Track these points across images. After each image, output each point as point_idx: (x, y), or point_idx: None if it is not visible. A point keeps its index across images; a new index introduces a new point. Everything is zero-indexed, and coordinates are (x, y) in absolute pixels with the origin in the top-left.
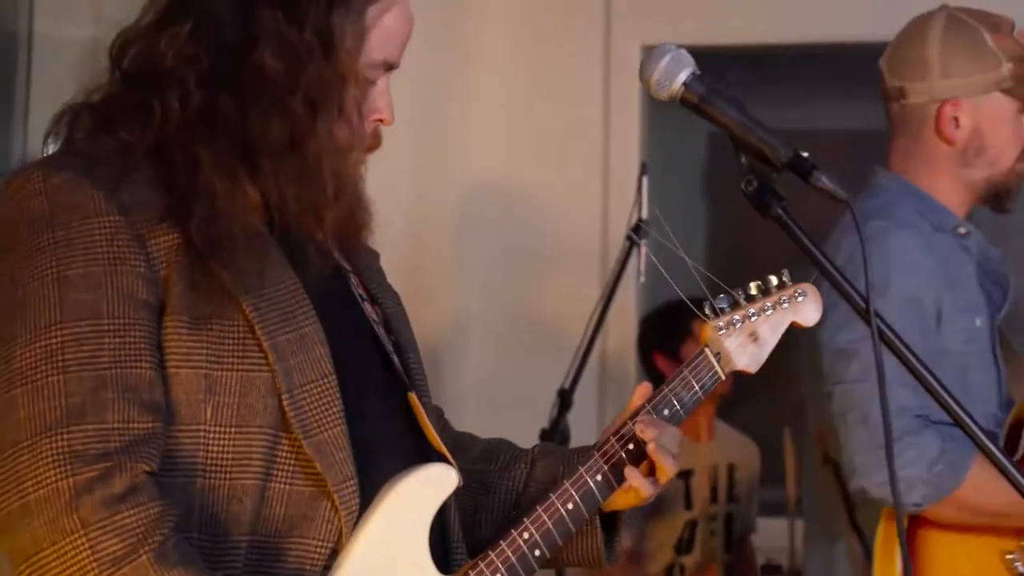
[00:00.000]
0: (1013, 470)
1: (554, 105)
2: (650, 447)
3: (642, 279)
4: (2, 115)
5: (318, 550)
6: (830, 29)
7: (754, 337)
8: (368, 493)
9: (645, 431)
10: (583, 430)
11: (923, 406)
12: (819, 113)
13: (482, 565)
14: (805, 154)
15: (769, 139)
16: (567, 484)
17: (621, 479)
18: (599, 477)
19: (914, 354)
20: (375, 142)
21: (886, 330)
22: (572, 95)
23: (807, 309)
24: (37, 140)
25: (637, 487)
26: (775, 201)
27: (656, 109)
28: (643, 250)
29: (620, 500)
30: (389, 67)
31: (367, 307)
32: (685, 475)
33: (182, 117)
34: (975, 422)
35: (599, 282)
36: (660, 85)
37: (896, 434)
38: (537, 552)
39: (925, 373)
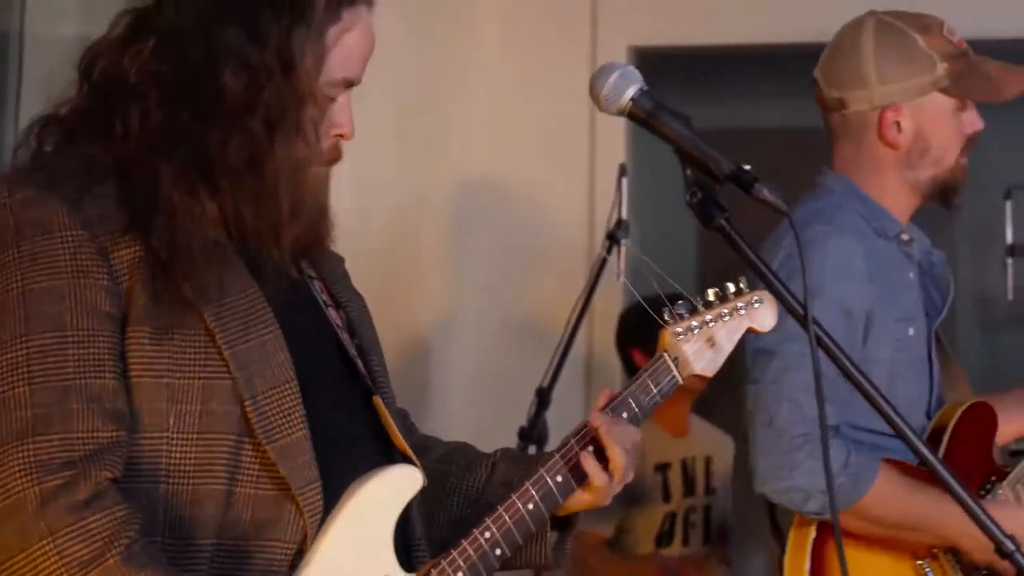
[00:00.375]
0: (949, 476)
1: (541, 106)
2: (601, 431)
3: (621, 278)
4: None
5: (284, 552)
6: (814, 28)
7: (711, 342)
8: (333, 495)
9: (595, 419)
10: (571, 420)
11: (831, 415)
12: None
13: (444, 563)
14: (747, 167)
15: (712, 153)
16: (527, 484)
17: (580, 479)
18: (559, 478)
19: (849, 360)
20: (335, 155)
21: (824, 337)
22: (559, 96)
23: (763, 315)
24: None
25: (592, 475)
26: (718, 212)
27: None
28: (622, 250)
29: (577, 502)
30: (349, 84)
31: (330, 312)
32: (662, 468)
33: (143, 133)
34: (911, 427)
35: (586, 280)
36: (608, 100)
37: (801, 442)
38: (498, 551)
39: (861, 378)
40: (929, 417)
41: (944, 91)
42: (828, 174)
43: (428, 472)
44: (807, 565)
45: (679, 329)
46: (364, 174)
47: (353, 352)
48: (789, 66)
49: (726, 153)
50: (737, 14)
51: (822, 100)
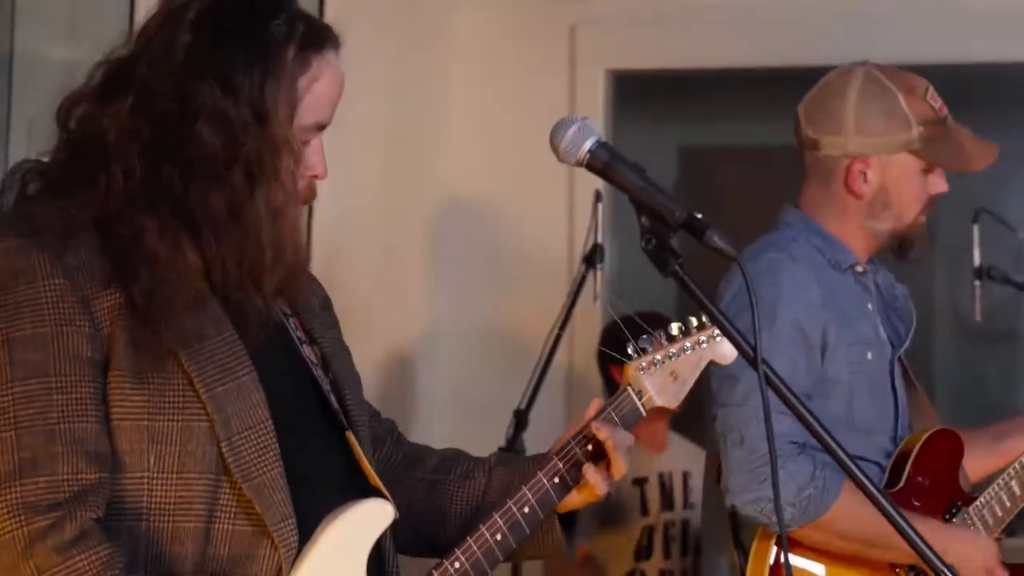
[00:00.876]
0: (882, 498)
1: (522, 126)
2: (608, 444)
3: (598, 301)
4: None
5: None
6: (784, 53)
7: (674, 376)
8: (307, 529)
9: (601, 429)
10: (551, 438)
11: (797, 433)
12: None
13: (436, 574)
14: (699, 215)
15: (666, 202)
16: (525, 488)
17: (576, 479)
18: (556, 479)
19: (792, 392)
20: (310, 195)
21: (772, 375)
22: (539, 116)
23: (724, 348)
24: (18, 156)
25: (593, 483)
26: (672, 258)
27: (623, 127)
28: (599, 274)
29: (574, 500)
30: (321, 127)
31: (305, 349)
32: (640, 483)
33: (126, 189)
34: (845, 451)
35: (565, 299)
36: (567, 152)
37: (767, 459)
38: (488, 560)
39: (802, 409)
40: (895, 443)
41: (914, 153)
42: (789, 210)
43: (425, 482)
44: (766, 572)
45: (643, 363)
46: (347, 196)
47: (327, 388)
48: (762, 88)
49: (679, 202)
50: (711, 39)
51: (799, 137)
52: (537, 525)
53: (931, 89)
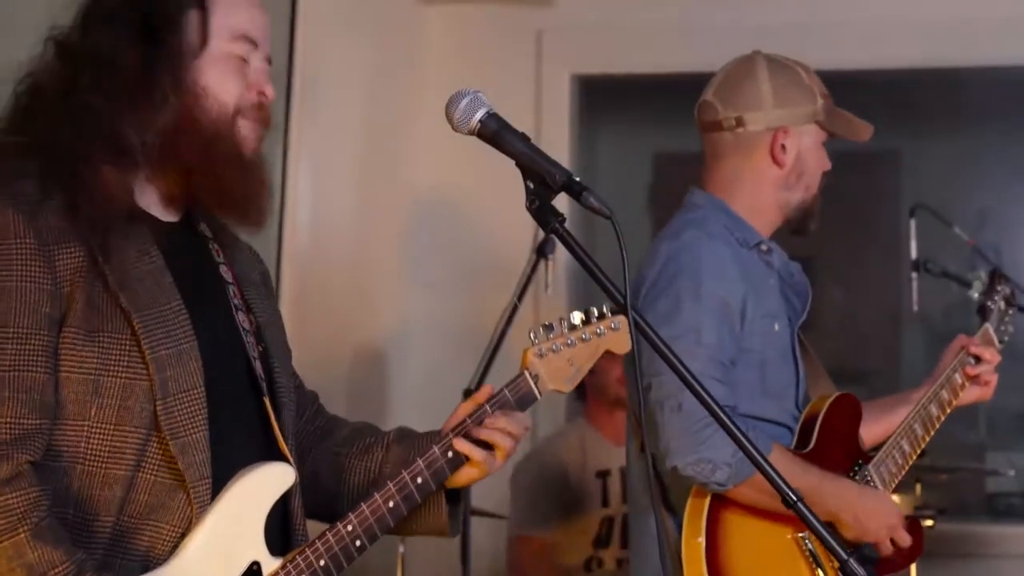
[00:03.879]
0: (754, 451)
1: None
2: (493, 430)
3: (548, 291)
4: None
5: (169, 534)
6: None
7: (571, 363)
8: (221, 486)
9: (495, 417)
10: None
11: (727, 396)
12: None
13: (308, 551)
14: (577, 178)
15: (547, 166)
16: (419, 460)
17: (459, 462)
18: (449, 454)
19: (667, 346)
20: (263, 116)
21: (642, 323)
22: (507, 117)
23: (621, 339)
24: None
25: (480, 461)
26: (553, 218)
27: (597, 134)
28: (550, 264)
29: (465, 475)
30: (252, 43)
31: (240, 316)
32: (603, 475)
33: (64, 131)
34: (730, 417)
35: (532, 290)
36: (460, 122)
37: (705, 422)
38: (358, 542)
39: (676, 362)
40: (799, 408)
41: (819, 123)
42: (696, 192)
43: (329, 454)
44: (703, 527)
45: (541, 349)
46: (321, 197)
47: (255, 355)
48: None
49: (559, 167)
50: (671, 44)
51: (713, 121)
52: (427, 497)
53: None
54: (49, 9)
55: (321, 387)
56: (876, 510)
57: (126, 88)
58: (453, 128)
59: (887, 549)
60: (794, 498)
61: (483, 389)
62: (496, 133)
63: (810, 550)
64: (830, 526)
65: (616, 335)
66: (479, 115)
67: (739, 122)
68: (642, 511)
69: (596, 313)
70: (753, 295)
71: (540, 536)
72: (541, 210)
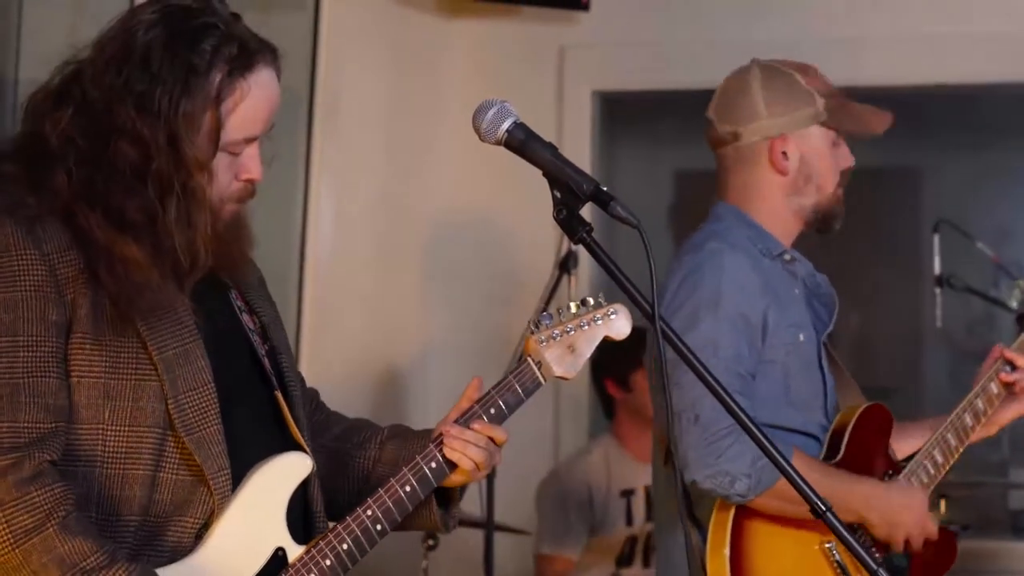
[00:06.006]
0: (780, 458)
1: None
2: (446, 443)
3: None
4: None
5: (193, 525)
6: None
7: (572, 349)
8: (239, 479)
9: (445, 430)
10: (540, 446)
11: (748, 409)
12: None
13: (330, 535)
14: (604, 188)
15: (575, 176)
16: (406, 470)
17: (453, 465)
18: (433, 464)
19: (692, 353)
20: (246, 195)
21: (669, 332)
22: None
23: (619, 325)
24: None
25: (467, 470)
26: (581, 227)
27: (618, 151)
28: (573, 279)
29: (455, 479)
30: (253, 140)
31: (245, 317)
32: (627, 494)
33: (71, 190)
34: (756, 424)
35: (554, 306)
36: (487, 132)
37: (725, 432)
38: (379, 526)
39: (704, 372)
40: (828, 418)
41: (823, 124)
42: (720, 204)
43: (326, 449)
44: (728, 540)
45: (542, 337)
46: (342, 212)
47: (262, 353)
48: None
49: (587, 176)
50: (692, 61)
51: (716, 136)
52: (419, 502)
53: (819, 68)
54: (72, 33)
55: (343, 405)
56: (905, 504)
57: (124, 164)
58: (480, 138)
59: (918, 544)
60: (823, 508)
61: (471, 385)
62: (523, 143)
63: (837, 561)
64: (857, 529)
65: (614, 322)
66: (506, 125)
67: (736, 136)
68: (668, 524)
69: (592, 302)
70: (775, 306)
71: (564, 555)
72: (569, 220)
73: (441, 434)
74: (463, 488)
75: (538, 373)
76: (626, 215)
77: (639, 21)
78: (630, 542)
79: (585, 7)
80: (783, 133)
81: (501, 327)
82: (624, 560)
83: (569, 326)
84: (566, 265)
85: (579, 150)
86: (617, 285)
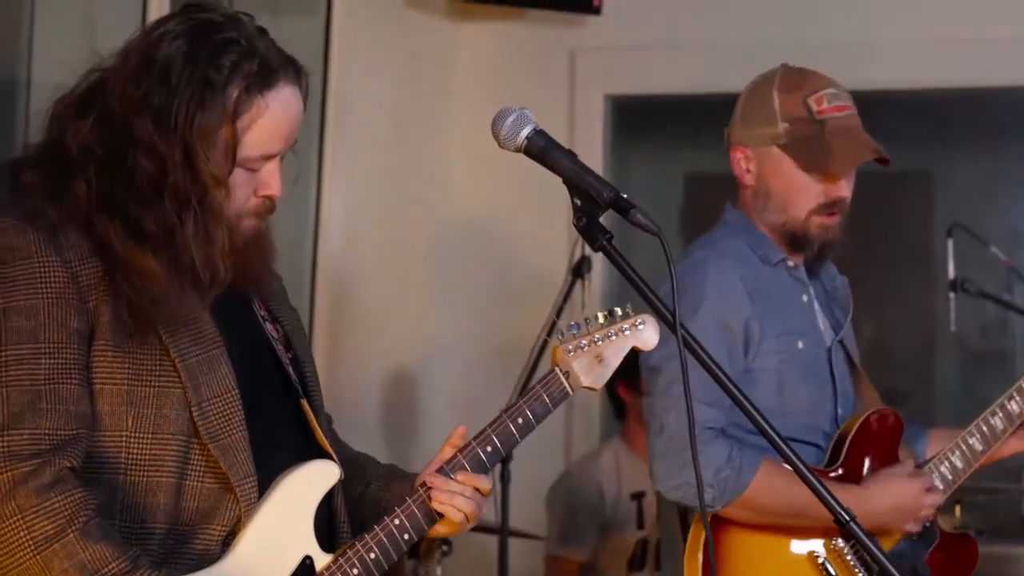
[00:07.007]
0: (806, 470)
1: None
2: (433, 496)
3: (585, 310)
4: (3, 160)
5: (219, 533)
6: None
7: (599, 359)
8: (265, 486)
9: (429, 479)
10: (552, 451)
11: (715, 419)
12: None
13: (358, 545)
14: (624, 195)
15: (594, 183)
16: (398, 511)
17: (432, 518)
18: (419, 513)
19: (717, 365)
20: (264, 210)
21: (692, 342)
22: None
23: (647, 335)
24: None
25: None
26: (601, 234)
27: (628, 155)
28: (587, 284)
29: (439, 530)
30: (269, 158)
31: (268, 326)
32: (638, 497)
33: (88, 199)
34: (774, 428)
35: (566, 310)
36: (507, 139)
37: (685, 444)
38: (406, 536)
39: (729, 383)
40: (838, 424)
41: (782, 148)
42: (727, 210)
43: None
44: (699, 556)
45: (570, 347)
46: (352, 214)
47: (286, 362)
48: None
49: (607, 183)
50: (704, 65)
51: None
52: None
53: (828, 91)
54: (90, 40)
55: (353, 408)
56: (882, 498)
57: (142, 177)
58: (499, 145)
59: (919, 525)
60: (847, 518)
61: (455, 433)
62: (543, 150)
63: (832, 573)
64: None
65: (641, 332)
66: (526, 132)
67: (727, 138)
68: (674, 532)
69: (619, 312)
70: (767, 314)
71: (573, 556)
72: (589, 227)
73: (425, 484)
74: (440, 545)
75: (566, 383)
76: (646, 222)
77: (651, 24)
78: (641, 545)
79: (596, 11)
80: (743, 144)
81: (510, 331)
82: (636, 563)
83: (597, 336)
84: (579, 270)
85: (591, 154)
86: (637, 293)
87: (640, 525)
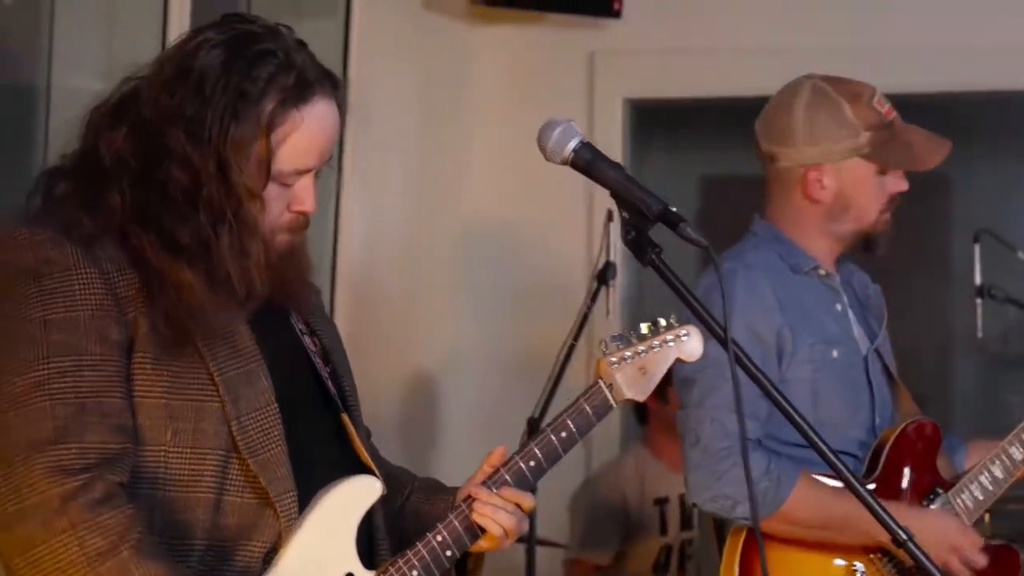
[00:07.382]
0: (855, 482)
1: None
2: (476, 509)
3: (609, 316)
4: (23, 164)
5: (260, 549)
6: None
7: (643, 371)
8: (305, 501)
9: (475, 491)
10: (573, 457)
11: (752, 431)
12: None
13: (400, 562)
14: (674, 208)
15: (643, 196)
16: (440, 527)
17: (473, 534)
18: (446, 538)
19: (765, 376)
20: (298, 226)
21: (742, 355)
22: None
23: (691, 347)
24: None
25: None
26: (650, 249)
27: (643, 156)
28: (611, 291)
29: (481, 545)
30: (303, 172)
31: (306, 340)
32: (661, 502)
33: (123, 210)
34: (817, 433)
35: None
36: (553, 152)
37: (725, 454)
38: (448, 552)
39: (775, 393)
40: (875, 433)
41: (865, 157)
42: (756, 220)
43: None
44: (737, 562)
45: (614, 359)
46: (373, 220)
47: (325, 375)
48: None
49: (655, 196)
50: (724, 69)
51: (758, 152)
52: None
53: (877, 95)
54: (109, 45)
55: (374, 415)
56: (934, 530)
57: (176, 189)
58: (545, 157)
59: (960, 571)
60: (904, 537)
61: (495, 452)
62: (590, 163)
63: None
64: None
65: (686, 344)
66: (572, 144)
67: (772, 157)
68: (704, 547)
69: (664, 323)
70: (799, 324)
71: (594, 558)
72: (638, 241)
73: (469, 496)
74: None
75: (609, 396)
76: (696, 236)
77: (670, 28)
78: (665, 551)
79: (616, 14)
80: (818, 163)
81: (530, 336)
82: (660, 569)
83: (641, 348)
84: (604, 276)
85: (609, 155)
86: (686, 306)
87: (663, 531)
